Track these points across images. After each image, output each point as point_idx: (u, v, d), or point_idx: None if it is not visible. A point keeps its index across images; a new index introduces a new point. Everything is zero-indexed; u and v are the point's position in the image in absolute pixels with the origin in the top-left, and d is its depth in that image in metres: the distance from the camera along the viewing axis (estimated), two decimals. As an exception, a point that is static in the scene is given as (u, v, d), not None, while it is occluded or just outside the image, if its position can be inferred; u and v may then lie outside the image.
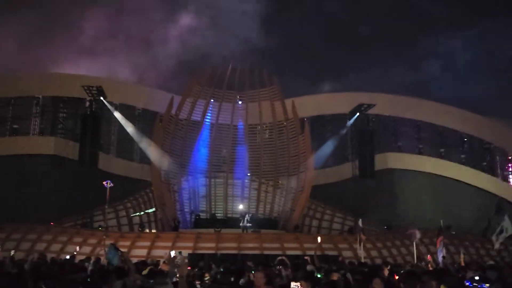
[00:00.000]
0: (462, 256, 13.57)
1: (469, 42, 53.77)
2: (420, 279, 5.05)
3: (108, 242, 18.19)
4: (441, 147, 32.21)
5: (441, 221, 14.49)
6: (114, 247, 8.61)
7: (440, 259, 12.59)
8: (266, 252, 18.41)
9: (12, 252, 13.40)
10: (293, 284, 5.07)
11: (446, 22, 50.59)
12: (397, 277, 7.69)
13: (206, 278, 8.50)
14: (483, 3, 49.63)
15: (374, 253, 20.02)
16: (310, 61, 48.99)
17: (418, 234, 13.22)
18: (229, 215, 25.84)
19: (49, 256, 15.66)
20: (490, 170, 33.15)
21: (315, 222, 28.30)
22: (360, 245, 14.18)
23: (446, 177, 30.90)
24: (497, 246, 13.27)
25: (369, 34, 50.22)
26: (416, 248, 13.13)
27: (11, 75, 28.31)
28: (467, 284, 6.41)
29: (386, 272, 9.22)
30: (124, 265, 7.61)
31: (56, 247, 19.07)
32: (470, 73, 54.88)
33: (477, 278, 6.74)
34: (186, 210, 25.91)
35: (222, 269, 10.35)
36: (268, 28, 52.92)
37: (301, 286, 5.02)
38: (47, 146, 26.98)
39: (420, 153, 31.90)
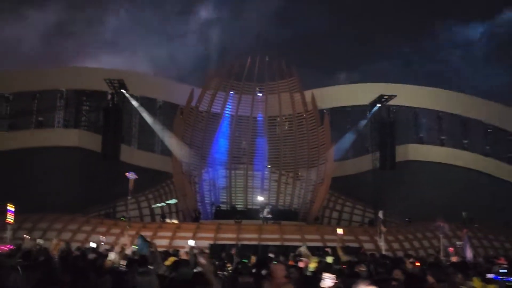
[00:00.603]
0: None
1: (491, 29, 52.27)
2: (445, 271, 5.02)
3: (130, 232, 18.63)
4: (464, 138, 31.49)
5: (464, 214, 14.29)
6: (143, 238, 8.88)
7: (467, 252, 12.33)
8: (286, 243, 18.49)
9: (40, 241, 13.81)
10: (326, 275, 5.01)
11: (465, 10, 49.19)
12: (420, 268, 7.64)
13: (228, 268, 8.62)
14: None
15: (395, 245, 19.88)
16: (325, 52, 48.48)
17: (446, 227, 13.05)
18: (249, 207, 26.01)
19: (74, 245, 16.09)
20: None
21: (335, 214, 28.25)
22: (381, 237, 14.10)
23: (469, 168, 30.30)
24: None
25: (385, 24, 49.28)
26: (445, 240, 12.93)
27: (36, 69, 29.02)
28: (494, 278, 6.34)
29: (408, 265, 9.17)
30: (152, 255, 7.81)
31: (80, 236, 19.62)
32: (492, 61, 53.43)
33: (503, 271, 6.66)
34: (206, 201, 26.19)
35: (243, 260, 10.44)
36: (283, 19, 52.51)
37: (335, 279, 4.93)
38: (71, 138, 27.59)
39: (442, 144, 31.27)
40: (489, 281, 5.90)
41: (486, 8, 49.67)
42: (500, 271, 6.86)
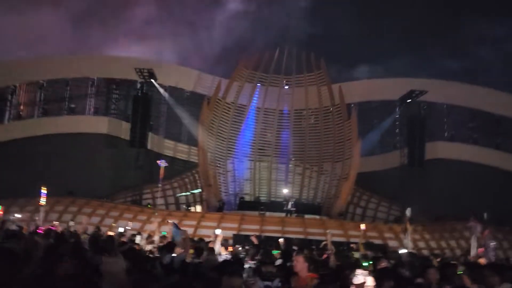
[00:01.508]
0: None
1: None
2: (482, 272, 4.87)
3: (157, 219, 19.00)
4: (498, 137, 30.39)
5: (485, 214, 13.97)
6: (176, 226, 9.17)
7: (492, 253, 12.04)
8: (309, 237, 18.45)
9: (71, 223, 14.25)
10: (358, 271, 4.93)
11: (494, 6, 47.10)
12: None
13: (256, 257, 8.68)
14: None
15: (421, 244, 19.54)
16: (352, 47, 47.56)
17: (479, 227, 12.70)
18: (272, 199, 26.06)
19: (103, 229, 16.52)
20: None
21: (359, 210, 27.92)
22: (406, 234, 13.86)
23: (500, 169, 29.29)
24: None
25: (413, 19, 47.79)
26: (476, 241, 12.59)
27: (69, 57, 29.73)
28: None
29: (435, 264, 8.99)
30: (184, 242, 8.03)
31: (108, 221, 20.11)
32: None
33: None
34: (231, 192, 26.40)
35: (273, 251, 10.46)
36: (311, 13, 51.79)
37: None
38: (100, 125, 28.22)
39: (474, 142, 30.28)
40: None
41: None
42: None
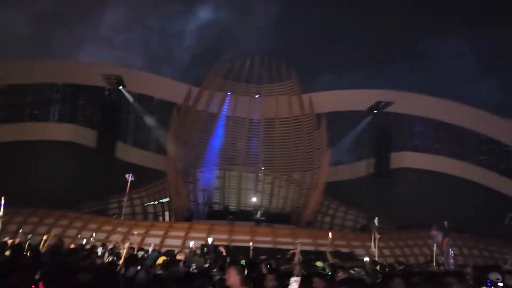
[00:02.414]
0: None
1: (475, 44, 52.64)
2: (441, 281, 4.99)
3: (123, 229, 18.54)
4: (459, 147, 31.64)
5: (445, 223, 14.49)
6: (158, 251, 9.43)
7: (450, 261, 12.43)
8: (278, 247, 18.45)
9: (29, 236, 13.66)
10: (292, 278, 4.99)
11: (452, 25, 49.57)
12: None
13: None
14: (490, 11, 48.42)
15: (386, 252, 19.90)
16: (324, 56, 48.49)
17: (440, 236, 13.08)
18: (242, 208, 25.98)
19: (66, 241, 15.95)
20: (509, 173, 32.50)
21: (327, 219, 28.22)
22: (374, 243, 14.09)
23: (461, 178, 30.43)
24: None
25: (384, 29, 49.39)
26: (437, 249, 12.96)
27: (32, 61, 28.74)
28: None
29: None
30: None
31: (71, 232, 19.44)
32: (479, 73, 53.69)
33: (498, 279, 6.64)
34: (200, 201, 26.13)
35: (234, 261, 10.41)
36: (282, 23, 52.58)
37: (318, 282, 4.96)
38: (65, 133, 27.42)
39: (437, 153, 31.40)
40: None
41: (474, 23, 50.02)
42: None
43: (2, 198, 13.45)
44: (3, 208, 13.71)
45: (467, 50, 54.74)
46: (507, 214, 27.98)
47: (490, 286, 6.26)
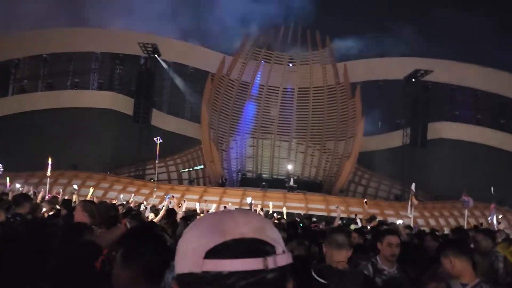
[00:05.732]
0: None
1: None
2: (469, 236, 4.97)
3: (159, 193, 19.25)
4: (501, 117, 30.24)
5: (492, 188, 14.14)
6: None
7: (495, 224, 12.21)
8: (311, 212, 18.66)
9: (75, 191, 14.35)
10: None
11: None
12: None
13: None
14: None
15: (420, 221, 19.75)
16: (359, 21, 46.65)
17: (471, 201, 12.84)
18: (274, 176, 26.26)
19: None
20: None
21: (360, 189, 28.13)
22: (411, 210, 13.90)
23: (503, 149, 29.28)
24: None
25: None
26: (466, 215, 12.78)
27: (72, 30, 29.39)
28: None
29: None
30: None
31: (112, 194, 20.37)
32: None
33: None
34: (233, 169, 26.59)
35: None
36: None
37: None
38: (104, 100, 28.19)
39: (478, 123, 30.18)
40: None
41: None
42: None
43: (50, 158, 14.26)
44: (50, 168, 14.56)
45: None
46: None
47: None
